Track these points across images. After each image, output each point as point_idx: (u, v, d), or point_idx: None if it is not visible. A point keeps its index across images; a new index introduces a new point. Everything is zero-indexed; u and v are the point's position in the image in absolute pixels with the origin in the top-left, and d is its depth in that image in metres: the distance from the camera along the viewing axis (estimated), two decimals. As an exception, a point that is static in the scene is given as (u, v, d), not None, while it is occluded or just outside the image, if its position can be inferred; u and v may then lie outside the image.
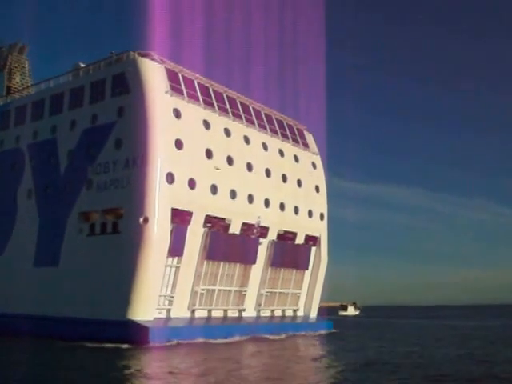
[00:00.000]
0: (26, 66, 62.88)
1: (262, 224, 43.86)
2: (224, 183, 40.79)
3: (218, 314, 41.71)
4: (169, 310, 37.90)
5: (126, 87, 38.39)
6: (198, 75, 41.93)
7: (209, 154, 40.12)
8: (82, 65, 44.40)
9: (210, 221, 39.87)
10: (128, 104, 37.87)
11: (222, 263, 40.99)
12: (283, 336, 42.69)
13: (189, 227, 38.05)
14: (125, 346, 33.01)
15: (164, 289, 37.15)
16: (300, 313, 49.89)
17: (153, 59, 38.97)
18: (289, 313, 49.03)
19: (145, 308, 35.19)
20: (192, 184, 38.37)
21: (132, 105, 37.59)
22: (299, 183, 48.91)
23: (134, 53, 39.45)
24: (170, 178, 36.81)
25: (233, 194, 41.59)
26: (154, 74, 38.26)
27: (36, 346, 35.93)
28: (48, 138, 42.98)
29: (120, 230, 36.37)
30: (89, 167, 39.21)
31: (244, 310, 43.69)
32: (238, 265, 42.43)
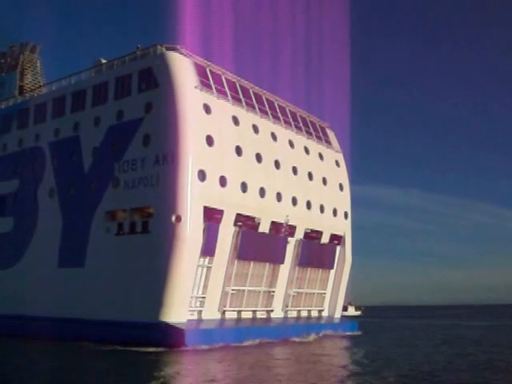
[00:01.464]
0: (38, 65, 61.54)
1: (290, 223, 42.92)
2: (253, 181, 39.79)
3: (246, 315, 40.73)
4: (200, 312, 36.88)
5: (153, 82, 37.26)
6: (224, 70, 40.92)
7: (238, 150, 39.11)
8: (104, 61, 43.34)
9: (241, 219, 38.85)
10: (156, 99, 36.76)
11: (251, 263, 39.99)
12: (311, 338, 41.69)
13: (220, 226, 37.07)
14: (157, 349, 31.92)
15: (195, 290, 36.09)
16: (325, 313, 48.99)
17: (181, 53, 37.96)
18: (314, 313, 48.09)
19: (178, 309, 34.03)
20: (223, 182, 37.33)
21: (161, 100, 36.49)
22: (324, 181, 48.01)
23: (162, 46, 38.39)
24: (202, 175, 35.74)
25: (262, 192, 40.58)
26: (182, 68, 37.19)
27: (62, 349, 34.72)
28: (70, 136, 41.77)
29: (150, 230, 35.21)
30: (115, 165, 38.03)
31: (272, 310, 42.72)
32: (267, 264, 41.43)
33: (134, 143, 37.28)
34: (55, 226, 41.13)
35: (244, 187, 39.05)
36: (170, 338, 32.74)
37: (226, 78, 40.75)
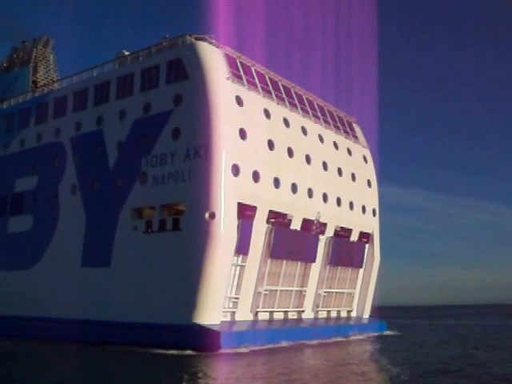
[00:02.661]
0: (51, 59, 59.86)
1: (321, 220, 41.36)
2: (285, 176, 38.23)
3: (278, 316, 39.19)
4: (233, 313, 35.32)
5: (183, 73, 35.65)
6: (254, 62, 39.35)
7: (271, 144, 37.54)
8: (126, 53, 41.76)
9: (273, 216, 37.31)
10: (187, 91, 35.15)
11: (284, 262, 38.44)
12: (344, 339, 40.20)
13: (253, 223, 35.51)
14: (190, 352, 30.41)
15: (229, 290, 34.50)
16: (353, 313, 47.47)
17: (211, 43, 36.38)
18: (343, 314, 46.56)
19: (212, 311, 32.45)
20: (256, 177, 35.75)
21: (192, 92, 34.87)
22: (353, 177, 46.48)
23: (191, 37, 36.82)
24: (235, 169, 34.16)
25: (294, 188, 39.03)
26: (213, 58, 35.62)
27: (89, 352, 33.20)
28: (93, 130, 40.10)
29: (182, 227, 33.60)
30: (142, 160, 36.41)
31: (303, 311, 41.17)
32: (298, 263, 39.88)
33: (163, 137, 35.67)
34: (78, 224, 39.42)
35: (277, 183, 37.49)
36: (204, 341, 31.14)
37: (255, 70, 39.16)
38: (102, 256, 37.55)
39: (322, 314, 43.63)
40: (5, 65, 61.44)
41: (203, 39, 36.49)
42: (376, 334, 45.87)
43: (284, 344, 34.32)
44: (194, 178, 33.51)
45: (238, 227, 33.55)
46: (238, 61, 37.60)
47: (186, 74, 35.51)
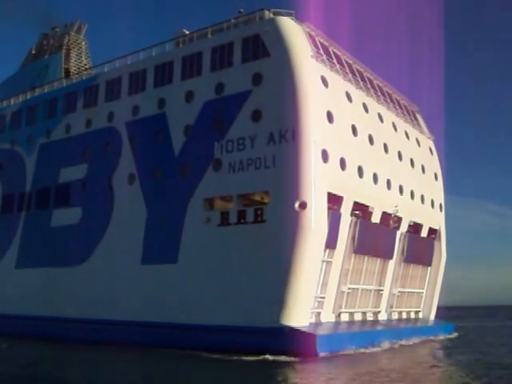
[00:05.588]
0: (83, 46, 56.24)
1: (397, 214, 38.38)
2: (368, 165, 35.19)
3: (357, 317, 36.10)
4: (318, 314, 32.14)
5: (263, 50, 32.46)
6: (332, 42, 36.29)
7: (354, 130, 34.49)
8: (187, 32, 38.50)
9: (358, 208, 34.24)
10: (268, 70, 31.92)
11: (365, 258, 35.40)
12: (417, 341, 37.24)
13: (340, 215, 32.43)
14: (280, 357, 27.05)
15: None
16: (421, 314, 44.51)
17: (292, 19, 33.27)
18: (411, 315, 43.55)
19: (301, 312, 29.25)
20: (343, 164, 32.67)
21: (274, 70, 31.68)
22: (423, 169, 43.55)
23: (269, 12, 33.70)
24: (325, 155, 31.05)
25: (375, 179, 36.00)
26: (296, 35, 32.54)
27: (154, 357, 29.50)
28: (154, 114, 36.63)
29: (266, 219, 30.36)
30: (216, 144, 33.15)
31: (379, 312, 38.11)
32: (378, 260, 36.85)
33: (240, 120, 32.40)
34: (137, 217, 35.85)
35: (360, 172, 34.43)
36: (296, 345, 27.79)
37: (332, 51, 36.12)
38: (166, 252, 34.07)
39: (395, 315, 40.63)
40: (33, 52, 57.73)
41: (282, 15, 33.45)
42: (444, 336, 42.96)
43: (374, 347, 31.33)
44: (281, 164, 30.27)
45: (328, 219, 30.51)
46: (317, 39, 34.52)
47: (266, 52, 32.28)
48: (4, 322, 43.15)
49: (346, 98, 34.63)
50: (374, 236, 35.38)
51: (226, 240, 31.74)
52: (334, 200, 32.00)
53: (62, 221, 40.79)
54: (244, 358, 27.39)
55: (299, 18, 34.07)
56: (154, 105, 36.75)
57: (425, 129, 47.21)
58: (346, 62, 37.31)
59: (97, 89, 40.69)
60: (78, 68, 53.89)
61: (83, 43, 56.57)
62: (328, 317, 32.90)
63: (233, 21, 35.45)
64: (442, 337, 42.17)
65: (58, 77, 50.38)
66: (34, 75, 53.56)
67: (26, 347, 35.89)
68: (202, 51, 35.27)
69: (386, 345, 32.49)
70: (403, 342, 34.98)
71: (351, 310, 34.89)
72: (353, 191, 33.42)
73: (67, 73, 52.24)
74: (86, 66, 54.30)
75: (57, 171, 41.90)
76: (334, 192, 31.67)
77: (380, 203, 36.48)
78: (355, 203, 33.86)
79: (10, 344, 36.46)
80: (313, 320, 31.26)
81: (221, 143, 32.88)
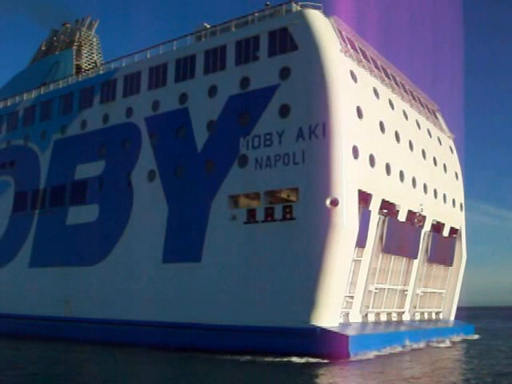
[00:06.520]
0: (94, 42, 55.35)
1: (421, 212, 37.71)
2: (395, 163, 34.51)
3: (383, 317, 35.37)
4: (347, 314, 31.38)
5: (291, 44, 31.75)
6: (357, 36, 35.62)
7: (382, 126, 33.80)
8: (208, 26, 37.71)
9: (385, 206, 33.54)
10: (297, 63, 31.20)
11: (392, 257, 34.69)
12: (440, 342, 36.54)
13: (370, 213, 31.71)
14: (310, 359, 26.33)
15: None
16: (441, 315, 43.85)
17: (321, 12, 32.56)
18: (432, 315, 42.89)
19: (331, 312, 28.50)
20: (372, 161, 31.96)
21: (303, 64, 30.97)
22: (445, 168, 42.94)
23: (297, 4, 32.99)
24: (355, 152, 30.32)
25: (401, 176, 35.32)
26: (325, 28, 31.84)
27: (177, 359, 28.70)
28: (176, 109, 35.80)
29: (296, 216, 29.58)
30: (241, 140, 32.37)
31: (403, 312, 37.41)
32: (403, 259, 36.15)
33: (267, 114, 31.64)
34: (158, 214, 34.97)
35: (388, 169, 33.74)
36: (328, 346, 27.07)
37: (358, 46, 35.46)
38: (189, 250, 33.23)
39: (417, 316, 39.93)
40: (43, 48, 56.83)
41: (309, 7, 32.72)
42: (464, 337, 42.29)
43: (400, 348, 30.64)
44: (311, 160, 29.52)
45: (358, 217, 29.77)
46: (344, 33, 33.83)
47: (294, 45, 31.55)
48: (16, 323, 42.18)
49: (373, 94, 33.95)
50: (400, 235, 34.69)
51: (253, 238, 30.93)
52: (364, 197, 31.30)
53: (78, 219, 39.83)
54: (271, 359, 26.46)
55: (326, 12, 33.54)
56: (175, 100, 35.92)
57: (445, 127, 46.62)
58: (371, 57, 36.67)
59: (115, 84, 39.79)
60: (89, 64, 53.05)
61: (94, 39, 55.73)
62: (355, 317, 32.20)
63: (256, 14, 34.75)
64: (461, 338, 41.51)
65: (70, 73, 49.49)
66: (45, 71, 52.64)
67: (39, 348, 34.88)
68: (225, 45, 34.50)
69: (410, 346, 31.95)
70: (427, 343, 34.49)
71: (378, 310, 34.19)
72: (381, 189, 32.72)
73: (78, 69, 51.37)
74: (97, 63, 53.46)
75: (72, 168, 40.97)
76: (364, 189, 30.98)
77: (406, 201, 35.80)
78: (383, 201, 33.18)
79: (26, 346, 35.55)
80: (341, 320, 30.55)
81: (246, 139, 32.09)
